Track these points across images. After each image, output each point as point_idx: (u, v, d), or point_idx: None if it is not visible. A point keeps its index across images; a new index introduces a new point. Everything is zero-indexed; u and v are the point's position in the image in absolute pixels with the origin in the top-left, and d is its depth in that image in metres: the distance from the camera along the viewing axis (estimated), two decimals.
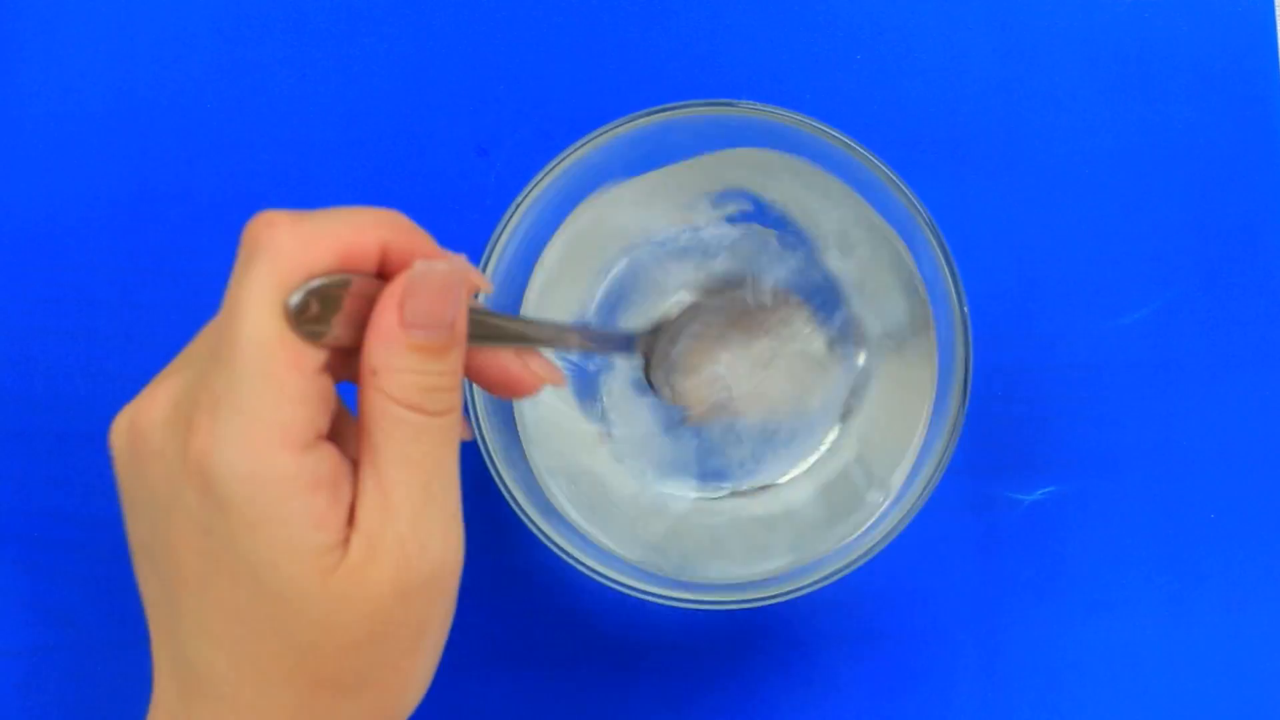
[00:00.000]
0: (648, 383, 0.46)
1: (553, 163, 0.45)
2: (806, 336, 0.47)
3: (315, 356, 0.35)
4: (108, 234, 0.52)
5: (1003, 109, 0.53)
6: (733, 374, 0.47)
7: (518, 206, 0.45)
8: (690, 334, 0.47)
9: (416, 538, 0.36)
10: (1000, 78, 0.53)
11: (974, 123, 0.52)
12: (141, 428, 0.37)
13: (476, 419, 0.45)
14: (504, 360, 0.39)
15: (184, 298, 0.52)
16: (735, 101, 0.45)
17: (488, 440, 0.44)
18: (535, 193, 0.45)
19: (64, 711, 0.51)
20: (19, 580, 0.51)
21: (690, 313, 0.47)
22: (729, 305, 0.47)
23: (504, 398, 0.41)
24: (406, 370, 0.36)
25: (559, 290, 0.48)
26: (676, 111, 0.45)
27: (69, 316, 0.52)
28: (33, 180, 0.52)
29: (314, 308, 0.35)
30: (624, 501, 0.47)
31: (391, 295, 0.36)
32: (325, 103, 0.53)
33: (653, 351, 0.46)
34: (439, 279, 0.36)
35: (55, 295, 0.52)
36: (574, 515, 0.46)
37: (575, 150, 0.45)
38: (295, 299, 0.35)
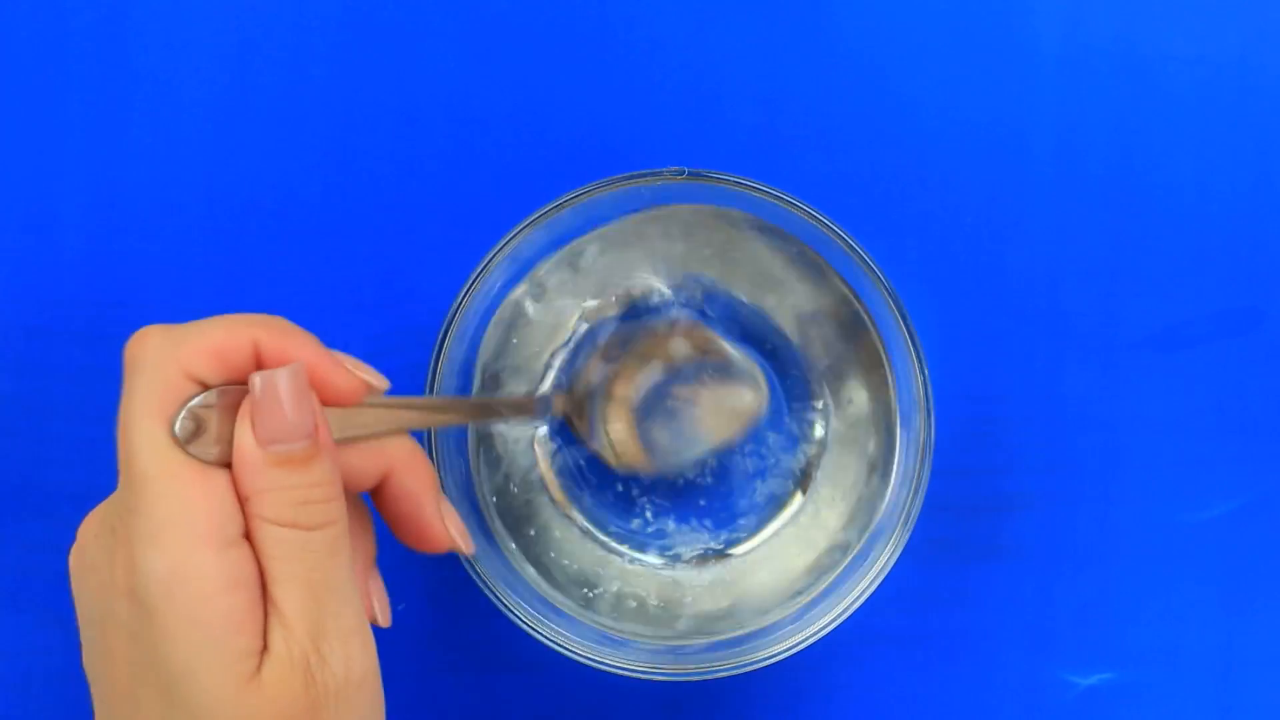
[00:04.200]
0: (580, 442, 0.47)
1: (496, 248, 0.45)
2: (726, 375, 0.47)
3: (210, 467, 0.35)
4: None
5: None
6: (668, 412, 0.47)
7: (465, 294, 0.45)
8: (608, 380, 0.47)
9: (318, 652, 0.35)
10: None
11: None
12: (80, 543, 0.37)
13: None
14: (426, 515, 0.39)
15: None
16: (702, 171, 0.45)
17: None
18: (479, 281, 0.45)
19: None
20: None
21: (603, 356, 0.47)
22: (642, 339, 0.47)
23: (416, 549, 0.41)
24: (273, 489, 0.35)
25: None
26: (630, 183, 0.45)
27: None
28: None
29: (202, 427, 0.35)
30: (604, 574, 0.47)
31: (243, 415, 0.36)
32: (421, 213, 0.52)
33: (576, 409, 0.46)
34: (282, 388, 0.36)
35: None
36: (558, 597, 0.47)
37: (521, 230, 0.45)
38: (178, 425, 0.35)
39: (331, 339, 0.51)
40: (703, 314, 0.47)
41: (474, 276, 0.44)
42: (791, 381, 0.48)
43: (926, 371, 0.45)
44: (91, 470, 0.51)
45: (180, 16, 0.53)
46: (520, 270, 0.47)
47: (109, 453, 0.52)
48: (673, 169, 0.45)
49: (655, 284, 0.47)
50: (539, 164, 0.52)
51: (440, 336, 0.45)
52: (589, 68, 0.53)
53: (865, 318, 0.46)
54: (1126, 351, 0.52)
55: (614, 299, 0.47)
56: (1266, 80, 0.53)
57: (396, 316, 0.52)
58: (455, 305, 0.45)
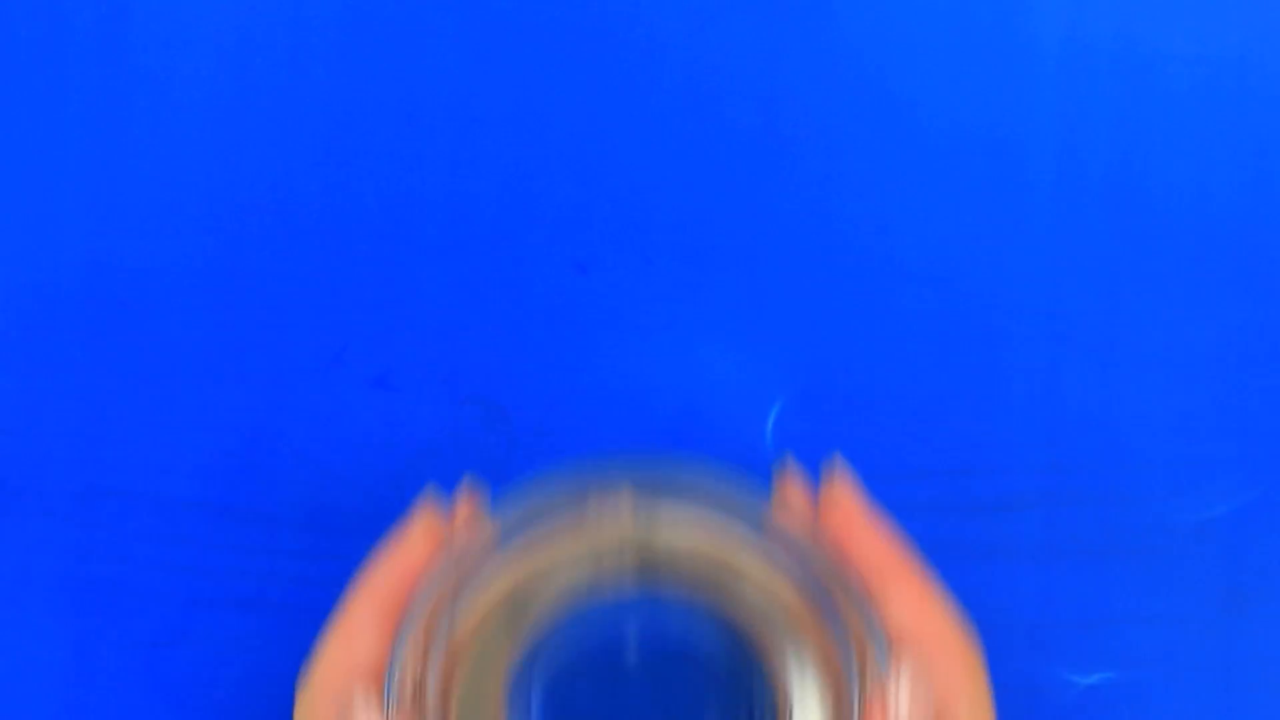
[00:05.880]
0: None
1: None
2: None
3: None
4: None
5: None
6: None
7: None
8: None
9: None
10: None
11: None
12: None
13: None
14: None
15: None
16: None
17: None
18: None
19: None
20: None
21: None
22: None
23: None
24: None
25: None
26: None
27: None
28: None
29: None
30: None
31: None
32: (420, 211, 0.52)
33: None
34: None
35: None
36: None
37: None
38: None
39: (330, 338, 0.52)
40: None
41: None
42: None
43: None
44: (91, 470, 0.52)
45: (180, 16, 0.53)
46: None
47: (109, 452, 0.52)
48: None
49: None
50: (539, 164, 0.52)
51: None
52: (589, 67, 0.53)
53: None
54: (1126, 351, 0.52)
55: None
56: (1266, 80, 0.53)
57: (396, 316, 0.52)
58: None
